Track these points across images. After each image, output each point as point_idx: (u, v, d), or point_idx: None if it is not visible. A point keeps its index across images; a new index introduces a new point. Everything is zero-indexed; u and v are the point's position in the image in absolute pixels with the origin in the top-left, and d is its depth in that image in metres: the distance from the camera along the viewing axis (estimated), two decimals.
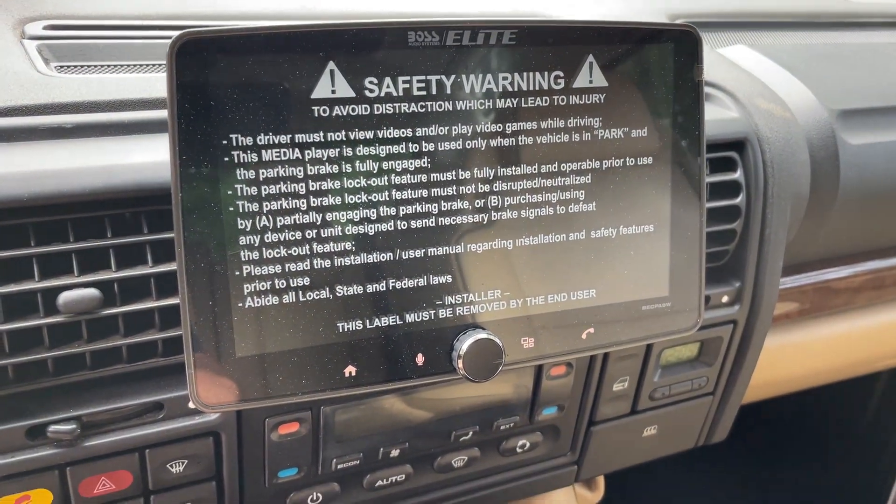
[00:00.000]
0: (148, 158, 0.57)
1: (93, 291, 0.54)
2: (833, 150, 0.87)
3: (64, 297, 0.54)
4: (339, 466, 0.69)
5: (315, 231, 0.53)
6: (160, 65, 0.69)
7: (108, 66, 0.68)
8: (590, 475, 0.89)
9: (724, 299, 0.84)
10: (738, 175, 0.80)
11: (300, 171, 0.52)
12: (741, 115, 0.82)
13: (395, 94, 0.54)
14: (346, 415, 0.68)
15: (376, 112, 0.53)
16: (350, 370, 0.56)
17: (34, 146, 0.56)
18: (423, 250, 0.57)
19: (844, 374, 1.18)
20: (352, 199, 0.54)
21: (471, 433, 0.75)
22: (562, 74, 0.58)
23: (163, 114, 0.61)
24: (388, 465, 0.73)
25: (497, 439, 0.78)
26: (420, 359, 0.58)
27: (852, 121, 0.89)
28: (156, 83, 0.64)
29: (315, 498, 0.71)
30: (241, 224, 0.51)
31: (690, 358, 0.87)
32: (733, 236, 0.82)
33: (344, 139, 0.53)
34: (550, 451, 0.83)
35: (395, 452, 0.72)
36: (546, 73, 0.57)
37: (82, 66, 0.68)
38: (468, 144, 0.56)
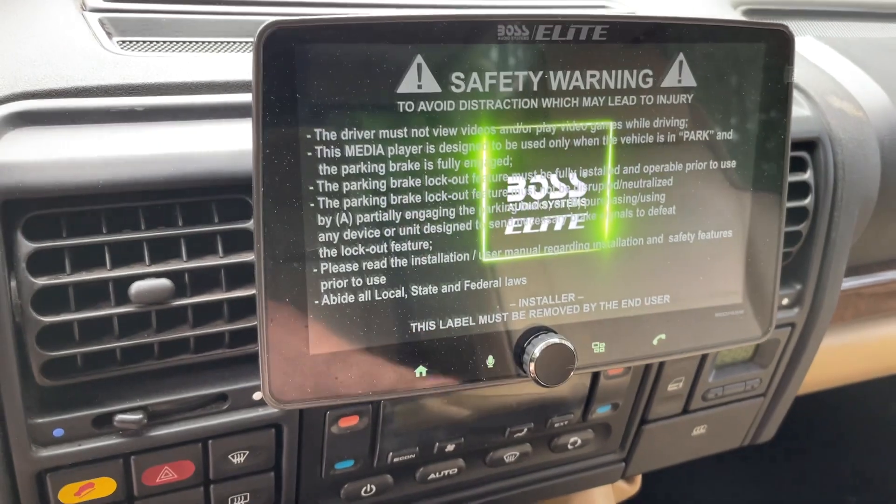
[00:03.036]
0: (221, 147, 0.55)
1: (165, 282, 0.53)
2: None
3: (136, 287, 0.53)
4: (395, 460, 0.69)
5: (394, 229, 0.52)
6: (225, 42, 0.67)
7: (172, 42, 0.67)
8: (636, 472, 0.88)
9: (785, 301, 0.82)
10: (807, 176, 0.78)
11: (382, 167, 0.51)
12: (813, 114, 0.79)
13: (480, 90, 0.52)
14: (406, 409, 0.67)
15: (461, 108, 0.52)
16: (421, 370, 0.55)
17: (107, 129, 0.55)
18: (499, 251, 0.55)
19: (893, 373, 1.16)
20: (432, 197, 0.53)
21: (525, 430, 0.74)
22: (651, 73, 0.55)
23: (232, 98, 0.59)
24: (442, 458, 0.72)
25: (549, 436, 0.77)
26: (490, 361, 0.57)
27: None
28: (224, 65, 0.62)
29: (369, 490, 0.70)
30: (321, 221, 0.50)
31: (745, 359, 0.86)
32: (798, 238, 0.80)
33: (427, 136, 0.51)
34: (600, 448, 0.83)
35: (450, 447, 0.71)
36: (635, 72, 0.55)
37: (145, 42, 0.66)
38: (551, 144, 0.54)
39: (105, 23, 0.67)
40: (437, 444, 0.70)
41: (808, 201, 0.78)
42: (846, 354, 1.01)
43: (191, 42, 0.67)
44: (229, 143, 0.56)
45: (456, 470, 0.74)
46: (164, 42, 0.67)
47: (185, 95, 0.58)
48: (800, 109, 0.80)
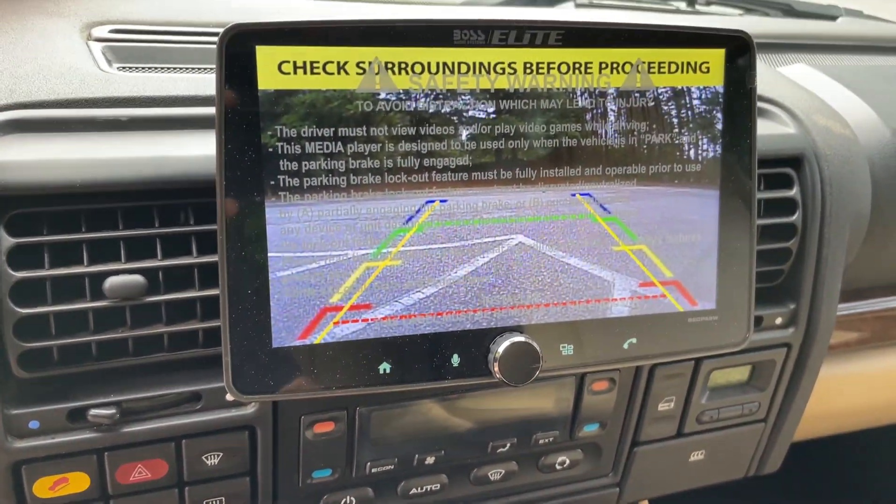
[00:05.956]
0: (197, 152, 0.58)
1: (138, 278, 0.56)
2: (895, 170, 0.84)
3: (110, 281, 0.55)
4: (374, 470, 0.69)
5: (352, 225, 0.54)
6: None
7: (166, 67, 0.71)
8: (632, 499, 0.86)
9: (778, 321, 0.81)
10: (794, 192, 0.78)
11: (342, 165, 0.53)
12: (798, 131, 0.80)
13: (439, 91, 0.54)
14: (382, 417, 0.67)
15: (419, 109, 0.54)
16: (385, 367, 0.56)
17: (91, 137, 0.58)
18: (461, 255, 0.56)
19: None
20: (393, 195, 0.54)
21: (508, 445, 0.73)
22: (608, 77, 0.57)
23: (213, 110, 0.62)
24: (423, 472, 0.72)
25: (536, 454, 0.77)
26: (455, 359, 0.57)
27: None
28: (209, 82, 0.65)
29: (349, 502, 0.70)
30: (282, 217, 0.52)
31: (741, 381, 0.84)
32: (788, 255, 0.79)
33: (386, 135, 0.53)
34: (591, 470, 0.81)
35: (430, 460, 0.71)
36: (592, 76, 0.57)
37: (142, 68, 0.70)
38: (510, 145, 0.56)
39: (107, 51, 0.71)
40: (416, 455, 0.70)
41: (795, 217, 0.78)
42: (854, 384, 0.98)
43: (184, 68, 0.71)
44: (205, 149, 0.58)
45: (439, 486, 0.73)
46: (159, 68, 0.71)
47: (167, 108, 0.62)
48: (784, 127, 0.80)
